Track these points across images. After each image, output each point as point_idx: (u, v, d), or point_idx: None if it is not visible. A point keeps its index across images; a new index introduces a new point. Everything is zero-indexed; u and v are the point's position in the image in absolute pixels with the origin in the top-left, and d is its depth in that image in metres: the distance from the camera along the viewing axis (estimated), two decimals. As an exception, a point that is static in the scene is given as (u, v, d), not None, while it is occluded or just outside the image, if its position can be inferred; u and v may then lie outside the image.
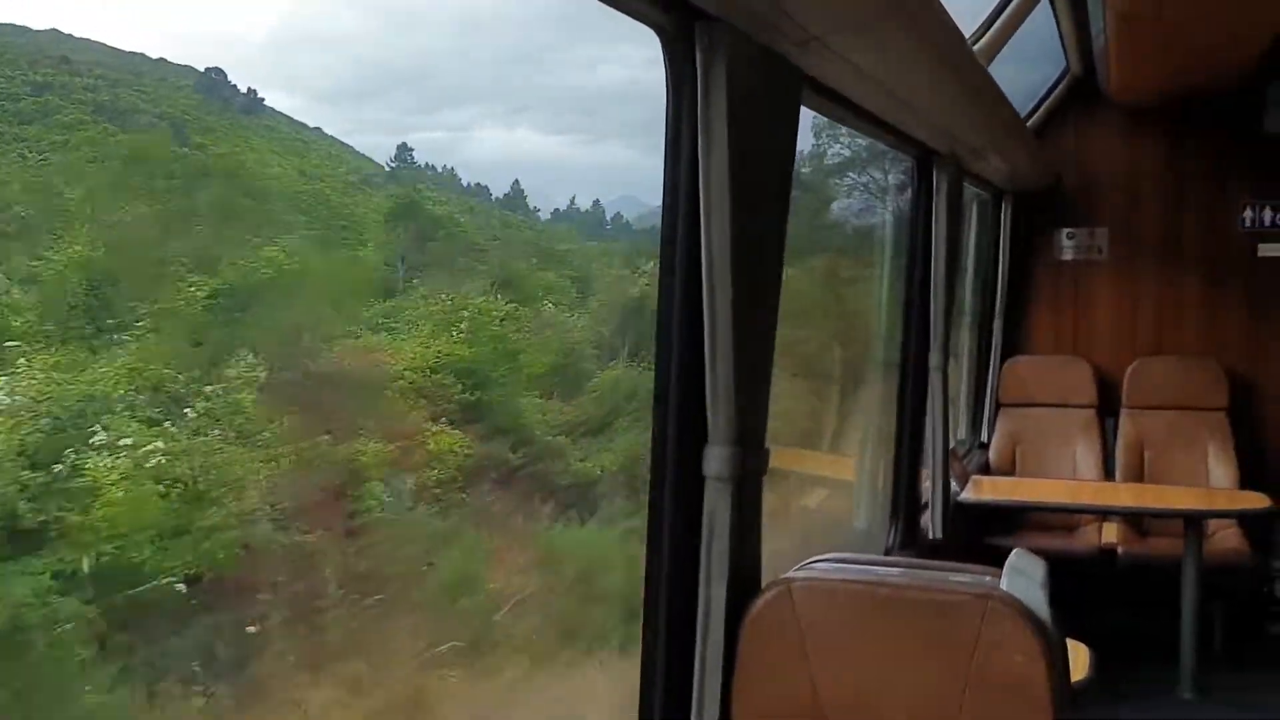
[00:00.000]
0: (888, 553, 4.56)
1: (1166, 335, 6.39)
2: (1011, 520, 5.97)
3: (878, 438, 5.03)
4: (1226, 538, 5.69)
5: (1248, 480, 5.86)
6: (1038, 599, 2.12)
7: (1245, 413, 6.17)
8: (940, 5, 2.63)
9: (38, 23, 6.79)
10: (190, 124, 7.08)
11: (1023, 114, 6.22)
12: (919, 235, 4.44)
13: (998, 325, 6.52)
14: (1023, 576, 2.16)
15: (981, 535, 5.68)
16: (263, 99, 7.93)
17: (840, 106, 3.05)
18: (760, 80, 2.15)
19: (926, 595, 2.14)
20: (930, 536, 4.66)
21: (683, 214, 2.18)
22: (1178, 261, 6.39)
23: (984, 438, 6.51)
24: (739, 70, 2.05)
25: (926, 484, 4.79)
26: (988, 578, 2.20)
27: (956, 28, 2.93)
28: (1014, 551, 2.24)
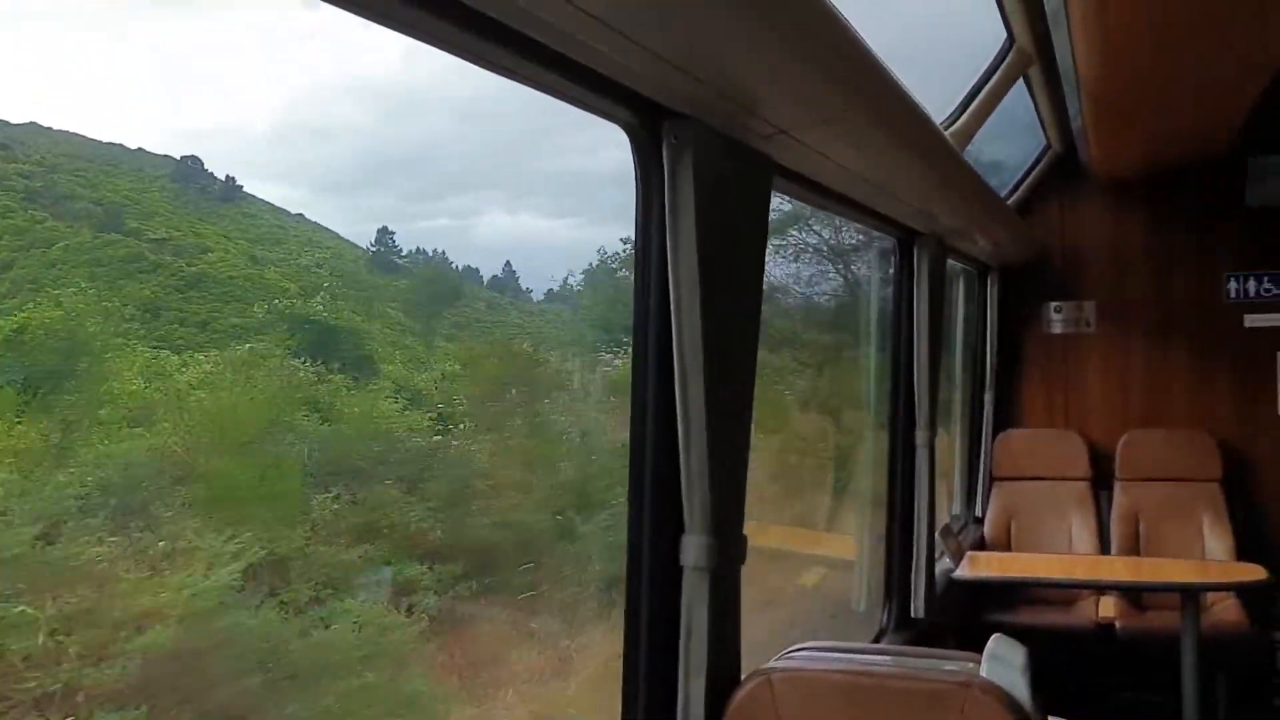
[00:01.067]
0: (881, 633, 4.53)
1: (1157, 406, 6.40)
2: (1008, 595, 5.92)
3: (874, 518, 5.02)
4: (1225, 610, 5.63)
5: (1244, 551, 5.82)
6: (1018, 685, 2.11)
7: (1239, 483, 6.15)
8: (908, 95, 2.68)
9: (16, 117, 6.83)
10: (129, 209, 6.98)
11: (1007, 189, 6.31)
12: (902, 313, 4.48)
13: (989, 399, 6.53)
14: (1002, 663, 2.15)
15: (979, 611, 5.63)
16: (240, 186, 7.95)
17: (814, 192, 3.09)
18: (728, 171, 2.20)
19: (907, 684, 2.13)
20: (913, 615, 4.63)
21: (654, 304, 2.21)
22: (1166, 333, 6.41)
23: (979, 512, 6.48)
24: (706, 163, 2.09)
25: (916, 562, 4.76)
26: (970, 664, 2.19)
27: (927, 116, 2.99)
28: (993, 637, 2.23)
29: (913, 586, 4.66)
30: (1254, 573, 5.07)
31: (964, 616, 5.37)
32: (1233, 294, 6.30)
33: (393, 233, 9.24)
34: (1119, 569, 5.72)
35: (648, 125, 2.09)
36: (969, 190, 3.97)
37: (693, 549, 2.20)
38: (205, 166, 7.81)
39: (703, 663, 2.19)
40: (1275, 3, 3.21)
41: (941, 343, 4.63)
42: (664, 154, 2.07)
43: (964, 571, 5.13)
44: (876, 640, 4.48)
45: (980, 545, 6.20)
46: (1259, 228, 6.17)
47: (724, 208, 2.16)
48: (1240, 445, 6.21)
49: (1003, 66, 4.46)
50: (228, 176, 7.89)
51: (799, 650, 2.33)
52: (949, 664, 2.22)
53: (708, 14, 1.70)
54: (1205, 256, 6.33)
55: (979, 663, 2.18)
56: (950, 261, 4.98)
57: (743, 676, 2.26)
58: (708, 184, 2.09)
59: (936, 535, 4.76)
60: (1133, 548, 6.09)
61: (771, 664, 2.24)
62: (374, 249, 9.02)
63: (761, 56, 1.90)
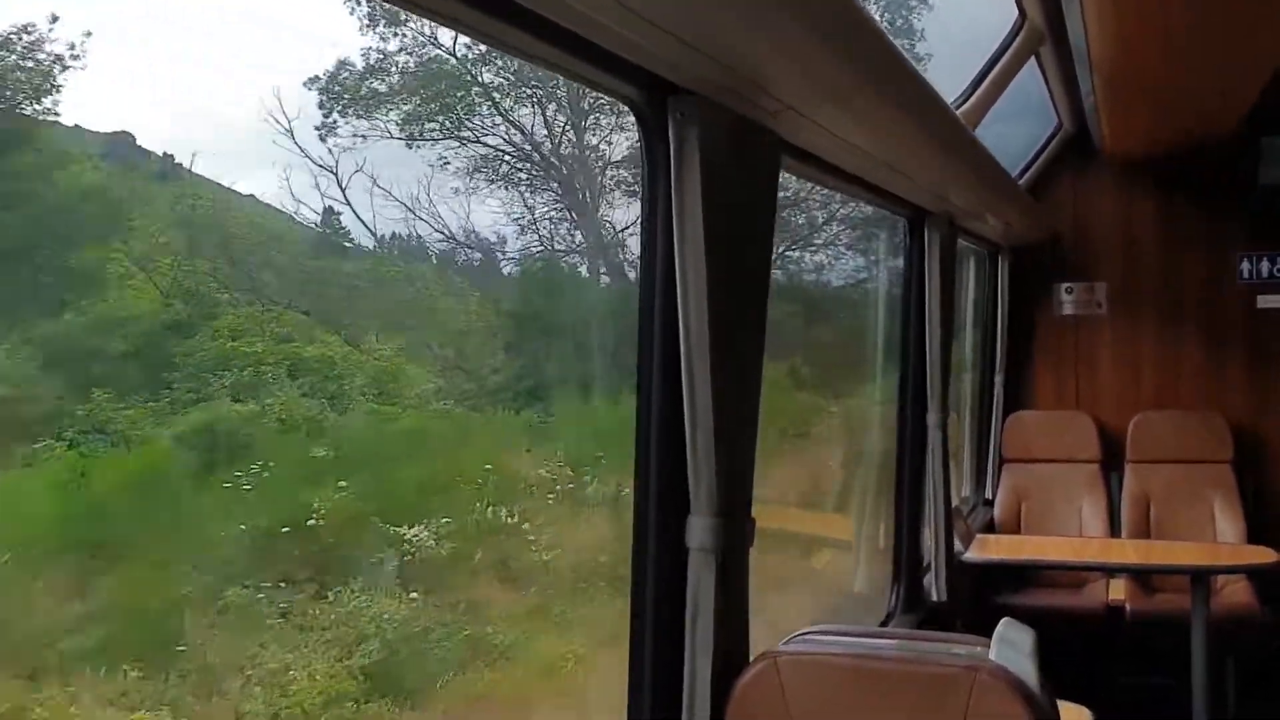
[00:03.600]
0: (889, 616, 4.52)
1: (1168, 388, 6.37)
2: (1018, 578, 5.91)
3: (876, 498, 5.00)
4: (1235, 593, 5.61)
5: (1255, 534, 5.79)
6: (1027, 669, 2.09)
7: (1251, 465, 6.12)
8: (918, 73, 2.65)
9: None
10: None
11: (1017, 170, 6.27)
12: (913, 293, 4.45)
13: (999, 380, 6.50)
14: (1011, 646, 2.13)
15: (988, 594, 5.62)
16: (179, 164, 7.59)
17: (823, 171, 3.07)
18: (736, 150, 2.17)
19: (914, 668, 2.12)
20: (933, 599, 4.61)
21: (659, 284, 2.18)
22: (1178, 314, 6.38)
23: (988, 494, 6.46)
24: (713, 141, 2.07)
25: (929, 544, 4.75)
26: (979, 648, 2.18)
27: (938, 94, 2.96)
28: (1002, 621, 2.21)
29: (933, 568, 4.65)
30: (1264, 555, 5.05)
31: (973, 599, 5.36)
32: (1245, 275, 6.27)
33: (339, 214, 8.79)
34: (1129, 551, 5.71)
35: (654, 102, 2.06)
36: (980, 170, 3.94)
37: (698, 530, 2.19)
38: (139, 143, 7.47)
39: (709, 645, 2.18)
40: None
41: (953, 323, 4.60)
42: (670, 131, 2.04)
43: (973, 554, 5.12)
44: (885, 623, 4.47)
45: (990, 528, 6.18)
46: (1272, 208, 6.13)
47: (731, 185, 2.14)
48: (1252, 427, 6.18)
49: (1014, 44, 4.43)
50: (165, 154, 7.54)
51: (807, 633, 2.31)
52: (957, 648, 2.21)
53: None
54: (1218, 237, 6.30)
55: (988, 646, 2.17)
56: (961, 242, 4.95)
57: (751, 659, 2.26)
58: (714, 161, 2.06)
59: None
60: (1143, 530, 6.07)
61: (779, 647, 2.22)
62: (321, 230, 8.54)
63: (768, 31, 1.87)
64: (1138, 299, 6.46)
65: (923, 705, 2.06)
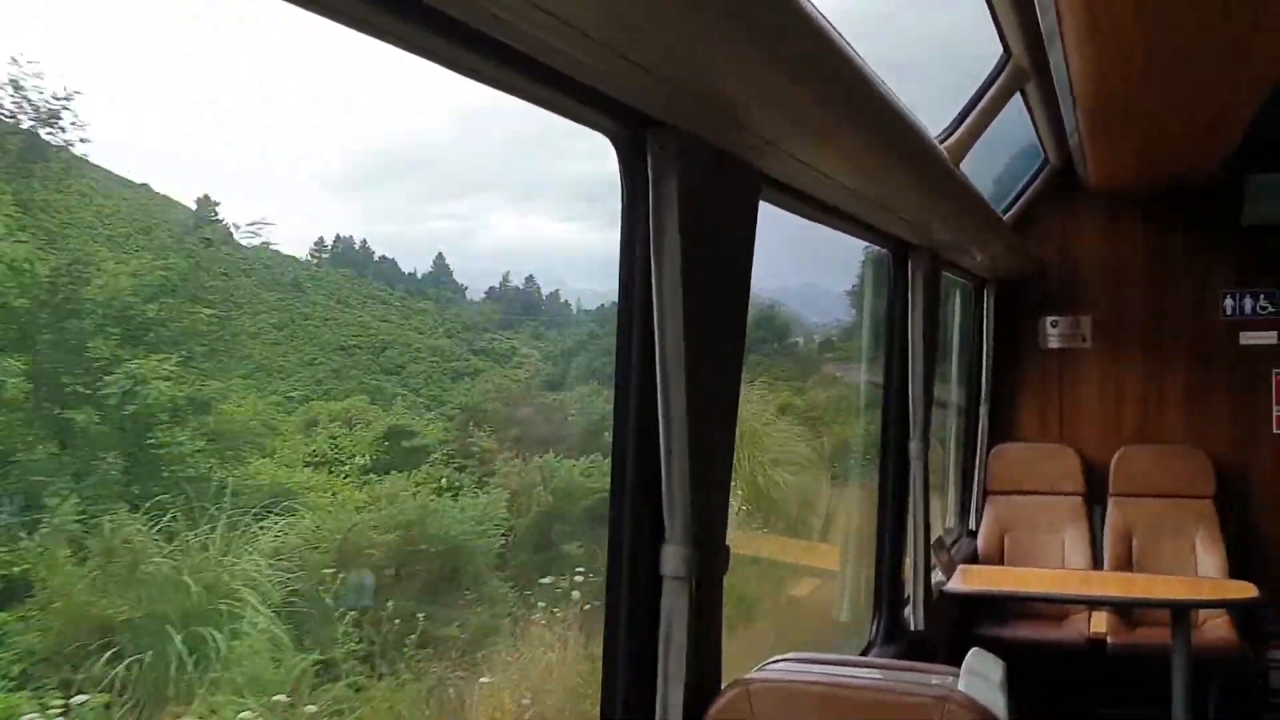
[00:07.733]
0: (869, 645, 4.53)
1: (1152, 423, 6.40)
2: (1001, 610, 5.92)
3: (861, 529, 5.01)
4: (1216, 627, 5.63)
5: (1236, 569, 5.81)
6: (996, 700, 2.11)
7: (1233, 500, 6.15)
8: (901, 109, 2.68)
9: None
10: None
11: (1004, 204, 6.32)
12: (896, 325, 4.48)
13: (984, 412, 6.52)
14: (980, 678, 2.15)
15: (971, 624, 5.63)
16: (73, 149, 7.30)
17: (804, 203, 3.09)
18: (715, 182, 2.20)
19: (884, 697, 2.13)
20: (911, 628, 4.62)
21: (637, 314, 2.21)
22: (1162, 349, 6.42)
23: (972, 526, 6.47)
24: (692, 174, 2.09)
25: (910, 574, 4.76)
26: (952, 678, 2.19)
27: (921, 129, 3.00)
28: (971, 652, 2.23)
29: (911, 598, 4.66)
30: (1245, 590, 5.07)
31: (955, 630, 5.36)
32: (1229, 311, 6.32)
33: (217, 203, 9.16)
34: (1111, 585, 5.72)
35: (633, 135, 2.09)
36: (964, 205, 3.97)
37: (672, 559, 2.20)
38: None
39: (681, 672, 2.19)
40: (1269, 22, 3.21)
41: (936, 355, 4.63)
42: (649, 163, 2.07)
43: (956, 585, 5.14)
44: (865, 653, 4.47)
45: (973, 559, 6.19)
46: (1255, 245, 6.20)
47: (709, 217, 2.17)
48: (1234, 462, 6.21)
49: (998, 81, 4.47)
50: (30, 128, 7.21)
51: (780, 661, 2.33)
52: (931, 677, 2.22)
53: (692, 25, 1.70)
54: (1203, 273, 6.35)
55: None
56: (947, 274, 4.98)
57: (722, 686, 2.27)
58: (693, 194, 2.09)
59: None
60: (1125, 563, 6.09)
61: (751, 674, 2.24)
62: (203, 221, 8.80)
63: (746, 69, 1.90)
64: (1122, 333, 6.50)
65: None
